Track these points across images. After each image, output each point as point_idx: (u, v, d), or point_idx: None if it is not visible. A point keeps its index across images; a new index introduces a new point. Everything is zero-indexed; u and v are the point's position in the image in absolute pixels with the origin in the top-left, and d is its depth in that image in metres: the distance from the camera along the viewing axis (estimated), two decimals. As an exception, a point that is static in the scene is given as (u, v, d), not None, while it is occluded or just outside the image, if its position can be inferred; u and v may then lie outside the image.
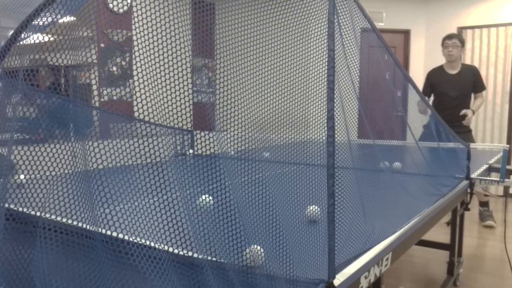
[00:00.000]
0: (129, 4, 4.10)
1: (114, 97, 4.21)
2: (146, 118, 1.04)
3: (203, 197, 1.40)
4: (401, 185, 1.82)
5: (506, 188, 4.67)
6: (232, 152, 1.02)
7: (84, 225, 1.18)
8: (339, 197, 1.09)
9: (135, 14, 0.93)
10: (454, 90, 4.04)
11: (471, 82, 4.07)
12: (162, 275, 0.92)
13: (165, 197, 0.98)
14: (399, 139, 1.95)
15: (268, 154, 1.04)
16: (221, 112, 1.07)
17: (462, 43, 4.08)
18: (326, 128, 1.05)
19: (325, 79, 1.09)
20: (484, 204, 4.39)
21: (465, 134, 3.87)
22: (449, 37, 4.08)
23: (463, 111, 3.94)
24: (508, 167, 2.64)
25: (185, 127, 2.86)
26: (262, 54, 1.22)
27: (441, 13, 5.83)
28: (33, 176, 0.99)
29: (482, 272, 3.17)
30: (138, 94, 0.99)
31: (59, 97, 1.11)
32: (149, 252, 0.94)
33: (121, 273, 0.95)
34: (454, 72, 4.08)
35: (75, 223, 1.17)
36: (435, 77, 4.17)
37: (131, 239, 1.01)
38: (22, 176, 0.94)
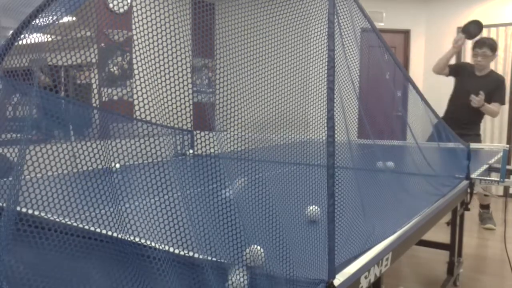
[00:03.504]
0: (129, 4, 4.10)
1: (115, 97, 4.21)
2: (147, 118, 1.04)
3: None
4: (401, 185, 1.82)
5: (506, 188, 4.67)
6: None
7: (84, 225, 1.18)
8: (339, 197, 1.09)
9: (135, 14, 0.93)
10: (475, 91, 3.78)
11: (492, 89, 3.82)
12: (161, 274, 0.92)
13: (165, 197, 0.98)
14: (399, 139, 1.95)
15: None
16: (221, 112, 1.07)
17: (494, 50, 3.77)
18: (326, 128, 1.05)
19: (325, 79, 1.09)
20: (485, 207, 4.35)
21: (474, 137, 3.77)
22: (480, 45, 3.77)
23: (480, 95, 3.66)
24: (508, 167, 2.64)
25: (185, 127, 2.86)
26: (262, 54, 1.22)
27: (441, 13, 5.83)
28: (32, 175, 0.99)
29: (482, 272, 3.17)
30: (138, 94, 0.99)
31: (59, 97, 1.11)
32: (149, 252, 0.94)
33: (121, 273, 0.95)
34: (481, 74, 3.88)
35: (74, 223, 1.18)
36: (464, 71, 3.95)
37: (131, 239, 1.01)
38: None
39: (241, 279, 0.98)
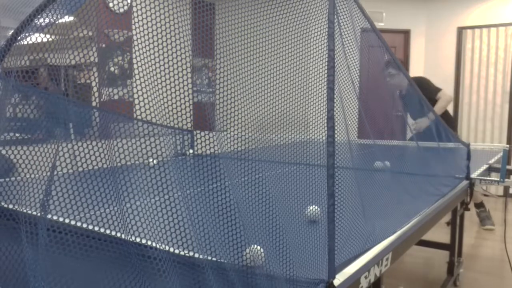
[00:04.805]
0: (129, 4, 4.10)
1: (116, 96, 4.21)
2: (147, 118, 1.04)
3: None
4: (401, 185, 1.82)
5: (506, 188, 4.67)
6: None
7: (84, 225, 1.18)
8: (339, 197, 1.09)
9: (135, 14, 0.93)
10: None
11: (423, 94, 3.84)
12: (162, 275, 0.92)
13: (166, 197, 0.98)
14: (399, 139, 1.95)
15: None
16: (221, 112, 1.07)
17: (396, 67, 3.65)
18: (326, 128, 1.05)
19: (325, 79, 1.09)
20: (479, 205, 4.34)
21: None
22: (385, 68, 3.71)
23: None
24: (508, 167, 2.64)
25: (185, 127, 2.86)
26: (262, 54, 1.22)
27: (441, 13, 5.83)
28: (33, 176, 0.99)
29: (482, 272, 3.17)
30: (138, 94, 0.99)
31: (59, 97, 1.11)
32: (149, 252, 0.94)
33: (121, 273, 0.95)
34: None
35: (73, 222, 1.18)
36: None
37: (131, 239, 1.01)
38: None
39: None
